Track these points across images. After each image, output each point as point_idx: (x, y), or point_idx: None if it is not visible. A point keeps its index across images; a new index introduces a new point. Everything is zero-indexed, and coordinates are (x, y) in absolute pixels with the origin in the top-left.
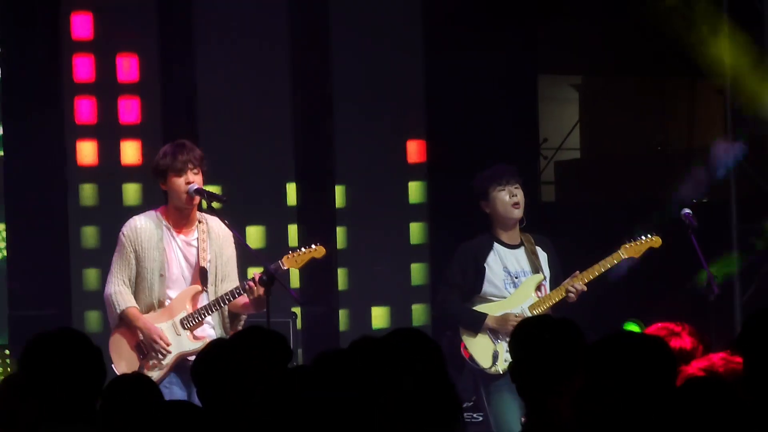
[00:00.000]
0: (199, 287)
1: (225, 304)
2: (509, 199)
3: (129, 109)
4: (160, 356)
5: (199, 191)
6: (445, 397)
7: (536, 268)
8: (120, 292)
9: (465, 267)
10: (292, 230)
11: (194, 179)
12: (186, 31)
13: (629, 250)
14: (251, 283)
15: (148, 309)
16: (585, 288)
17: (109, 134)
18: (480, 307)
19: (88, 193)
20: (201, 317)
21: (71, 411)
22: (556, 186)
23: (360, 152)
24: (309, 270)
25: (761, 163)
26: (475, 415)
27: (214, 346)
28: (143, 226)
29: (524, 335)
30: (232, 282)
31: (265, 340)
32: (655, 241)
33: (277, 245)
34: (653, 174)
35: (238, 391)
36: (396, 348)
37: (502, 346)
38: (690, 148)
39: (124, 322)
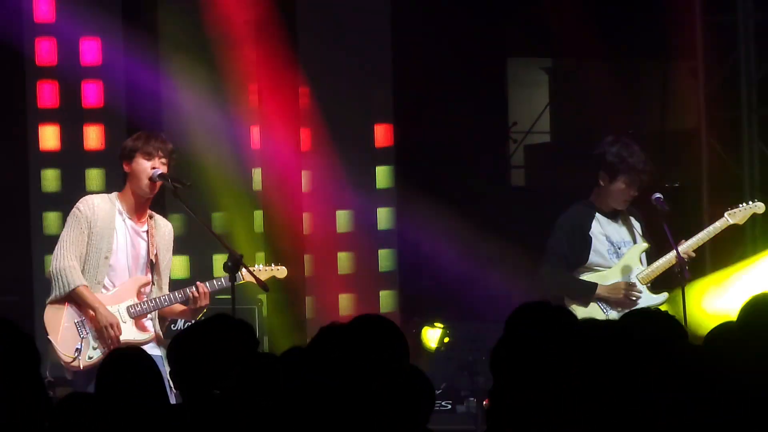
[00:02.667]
0: (148, 279)
1: (172, 303)
2: (628, 195)
3: (92, 93)
4: (106, 342)
5: (163, 176)
6: (413, 384)
7: (635, 238)
8: (73, 267)
9: (571, 237)
10: (258, 216)
11: (160, 167)
12: (150, 14)
13: (734, 216)
14: (194, 293)
15: (91, 289)
16: (694, 255)
17: (71, 118)
18: (586, 277)
19: (50, 178)
20: (148, 310)
21: (6, 399)
22: (525, 170)
23: (326, 135)
24: (274, 256)
25: (733, 144)
26: (443, 403)
27: (191, 329)
28: (99, 205)
29: (519, 320)
30: (166, 285)
31: (231, 329)
32: (759, 207)
33: (242, 231)
34: None
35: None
36: (361, 335)
37: (613, 316)
38: (663, 131)
39: (71, 299)
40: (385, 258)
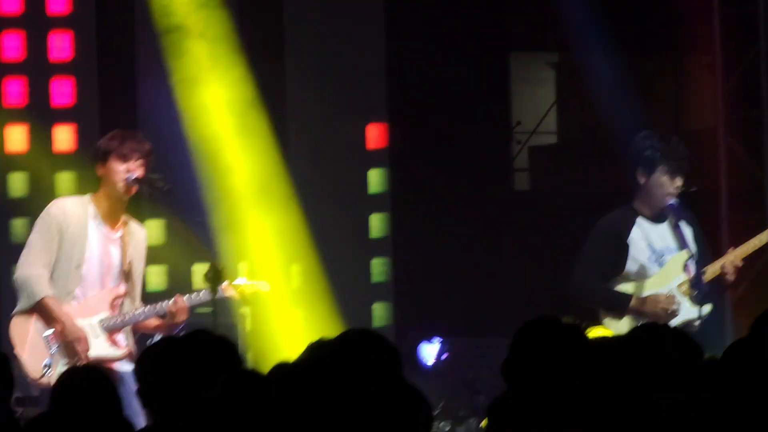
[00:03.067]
0: (123, 291)
1: (149, 317)
2: (672, 189)
3: (62, 91)
4: (74, 358)
5: (139, 180)
6: (407, 403)
7: (682, 245)
8: (40, 276)
9: (606, 243)
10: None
11: (136, 170)
12: (125, 6)
13: None
14: (172, 308)
15: (60, 298)
16: (741, 264)
17: (40, 118)
18: (622, 288)
19: (17, 182)
20: (122, 324)
21: None
22: (530, 173)
23: (316, 137)
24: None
25: (753, 145)
26: (441, 424)
27: (165, 344)
28: (72, 210)
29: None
30: (138, 296)
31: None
32: None
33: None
34: None
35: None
36: (351, 351)
37: None
38: (678, 130)
39: (38, 310)
40: (378, 267)
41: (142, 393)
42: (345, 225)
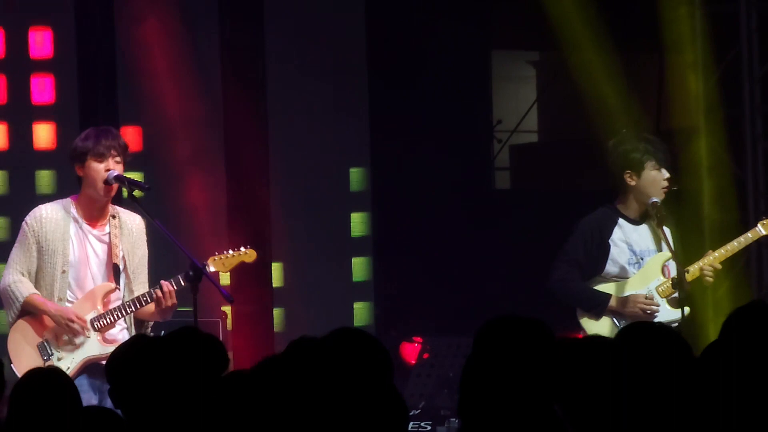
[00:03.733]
0: (112, 285)
1: (136, 308)
2: (663, 182)
3: (42, 88)
4: (59, 347)
5: (120, 178)
6: (389, 403)
7: (660, 246)
8: (19, 281)
9: (587, 243)
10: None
11: (115, 167)
12: (105, 3)
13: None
14: (159, 293)
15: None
16: (720, 267)
17: (20, 116)
18: (601, 287)
19: None
20: (114, 318)
21: None
22: (511, 172)
23: (297, 135)
24: (241, 266)
25: (735, 144)
26: (422, 424)
27: (139, 343)
28: (48, 216)
29: (490, 334)
30: (142, 284)
31: (201, 345)
32: None
33: (206, 238)
34: None
35: (161, 397)
36: (337, 350)
37: None
38: (660, 130)
39: (27, 314)
40: (359, 267)
41: (115, 393)
42: (326, 224)
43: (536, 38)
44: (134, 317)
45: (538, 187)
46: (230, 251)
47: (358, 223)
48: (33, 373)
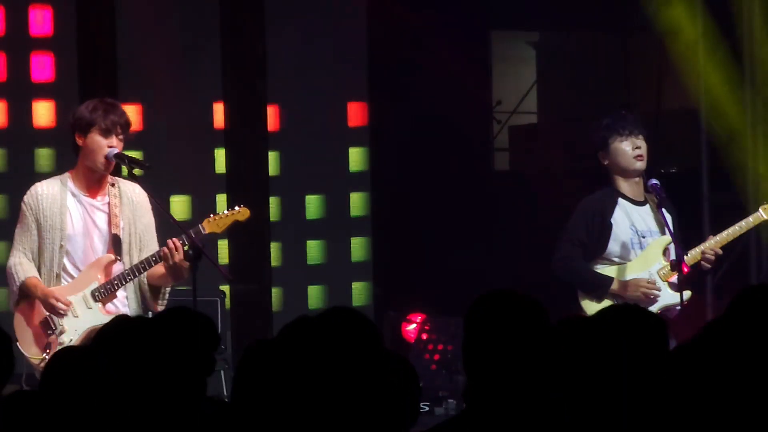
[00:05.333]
0: (112, 256)
1: (140, 273)
2: (632, 150)
3: (42, 66)
4: (61, 321)
5: (120, 156)
6: (394, 369)
7: (662, 229)
8: (20, 263)
9: (590, 221)
10: (221, 200)
11: (117, 145)
12: None
13: None
14: (165, 250)
15: (50, 282)
16: (721, 252)
17: (19, 93)
18: (603, 270)
19: None
20: (114, 288)
21: None
22: (510, 153)
23: (296, 116)
24: (239, 244)
25: (735, 126)
26: (421, 405)
27: (121, 321)
28: (45, 193)
29: (484, 312)
30: (151, 252)
31: (189, 323)
32: None
33: (203, 217)
34: None
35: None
36: (334, 329)
37: None
38: (659, 111)
39: (25, 295)
40: (358, 247)
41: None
42: (325, 203)
43: (536, 19)
44: (149, 286)
45: (537, 168)
46: (224, 211)
47: (357, 203)
48: (63, 351)
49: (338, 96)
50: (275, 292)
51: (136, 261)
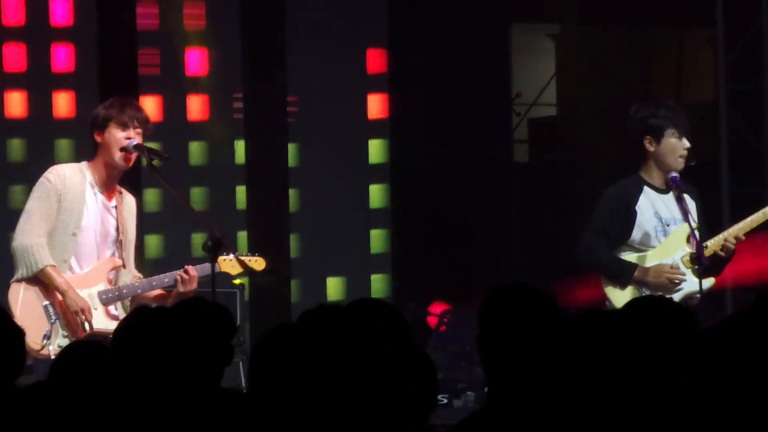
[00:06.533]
0: (120, 262)
1: (152, 289)
2: (682, 150)
3: (62, 57)
4: (75, 329)
5: (139, 147)
6: (421, 374)
7: (686, 216)
8: (41, 245)
9: (615, 210)
10: (240, 192)
11: (135, 137)
12: None
13: None
14: (184, 276)
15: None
16: (744, 239)
17: (39, 84)
18: (626, 256)
19: (16, 148)
20: (122, 296)
21: None
22: (529, 145)
23: (317, 101)
24: (258, 235)
25: (754, 120)
26: (439, 397)
27: (142, 314)
28: (69, 175)
29: (498, 303)
30: (131, 267)
31: (204, 312)
32: None
33: (223, 208)
34: None
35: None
36: (361, 319)
37: None
38: (679, 103)
39: (38, 279)
40: (377, 239)
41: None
42: (345, 195)
43: (555, 11)
44: (132, 300)
45: (556, 161)
46: (241, 256)
47: (376, 194)
48: (77, 345)
49: (359, 87)
50: (294, 284)
51: (131, 268)
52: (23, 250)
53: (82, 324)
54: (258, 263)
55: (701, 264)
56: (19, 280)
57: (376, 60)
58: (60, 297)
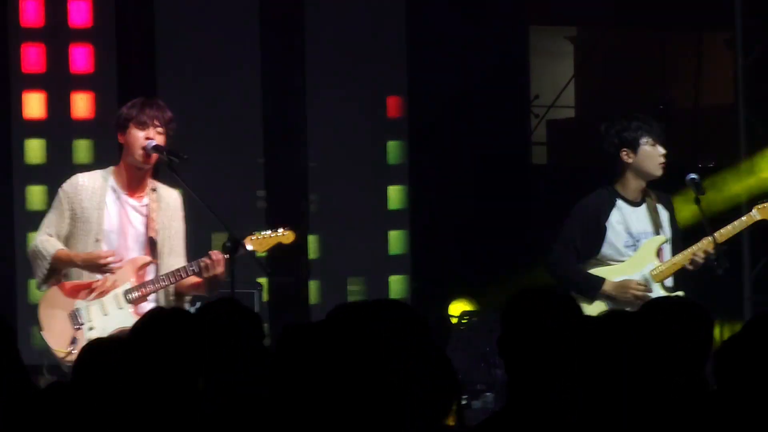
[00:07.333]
0: (148, 258)
1: (177, 280)
2: (660, 157)
3: (81, 58)
4: (90, 317)
5: (158, 148)
6: (442, 373)
7: (657, 229)
8: (46, 240)
9: (585, 225)
10: (260, 193)
11: (156, 137)
12: None
13: (763, 212)
14: (207, 261)
15: (82, 274)
16: (713, 253)
17: (58, 85)
18: (595, 271)
19: (34, 149)
20: (147, 291)
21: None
22: (548, 147)
23: (334, 109)
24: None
25: None
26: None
27: (159, 315)
28: (85, 184)
29: (521, 307)
30: (179, 257)
31: (236, 316)
32: None
33: (243, 209)
34: None
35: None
36: (382, 318)
37: None
38: (697, 107)
39: (54, 273)
40: (395, 240)
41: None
42: (363, 196)
43: (574, 13)
44: (175, 292)
45: (574, 163)
46: (269, 231)
47: (394, 196)
48: (98, 342)
49: (378, 91)
50: (313, 285)
51: (167, 265)
52: (33, 249)
53: (110, 264)
54: (287, 236)
55: (721, 266)
56: (43, 285)
57: (395, 63)
58: (80, 291)
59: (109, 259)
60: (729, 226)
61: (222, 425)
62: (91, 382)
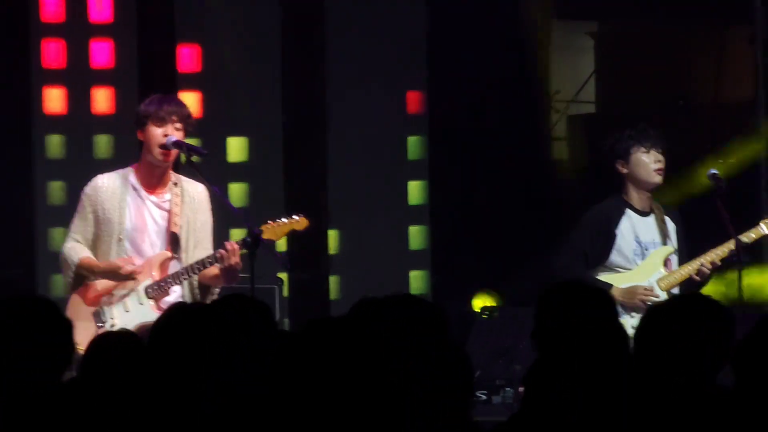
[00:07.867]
0: (169, 254)
1: (195, 273)
2: (653, 163)
3: (101, 53)
4: (112, 314)
5: (178, 143)
6: (458, 366)
7: (665, 239)
8: (72, 247)
9: (595, 232)
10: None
11: (174, 133)
12: None
13: None
14: (223, 252)
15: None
16: (720, 264)
17: (79, 80)
18: (603, 278)
19: (55, 144)
20: (168, 286)
21: (34, 385)
22: (568, 142)
23: (354, 103)
24: (296, 232)
25: None
26: (478, 393)
27: (178, 311)
28: (105, 185)
29: (557, 303)
30: (206, 250)
31: (246, 310)
32: None
33: (261, 204)
34: (676, 131)
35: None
36: (402, 313)
37: (627, 321)
38: (717, 102)
39: (80, 279)
40: (415, 235)
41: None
42: (383, 192)
43: (594, 8)
44: (199, 284)
45: (595, 158)
46: (282, 218)
47: (415, 191)
48: (105, 336)
49: (398, 85)
50: (333, 280)
51: (192, 259)
52: (61, 256)
53: (130, 271)
54: (300, 222)
55: (741, 264)
56: (70, 292)
57: (415, 58)
58: (102, 291)
59: (128, 267)
60: (730, 243)
61: (222, 425)
62: (95, 375)
